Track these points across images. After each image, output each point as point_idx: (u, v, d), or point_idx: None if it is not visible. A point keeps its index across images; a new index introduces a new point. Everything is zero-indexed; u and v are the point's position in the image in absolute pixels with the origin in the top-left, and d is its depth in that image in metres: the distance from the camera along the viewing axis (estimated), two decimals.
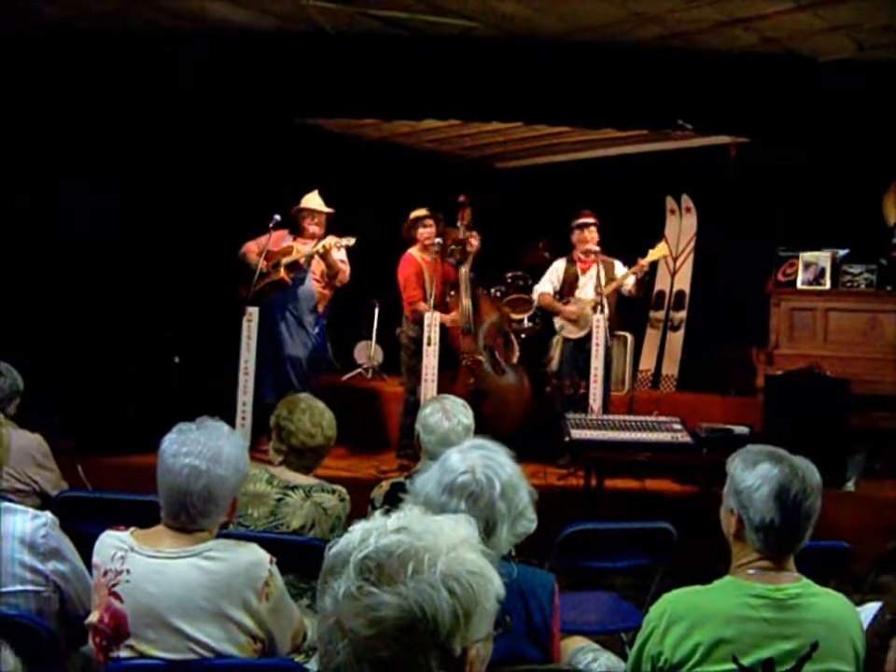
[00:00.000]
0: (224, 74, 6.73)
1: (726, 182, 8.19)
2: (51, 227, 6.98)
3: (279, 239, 6.76)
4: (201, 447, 2.48)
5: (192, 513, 2.46)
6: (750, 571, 2.38)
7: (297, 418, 3.60)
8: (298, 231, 6.87)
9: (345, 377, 8.71)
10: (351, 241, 6.65)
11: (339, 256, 6.79)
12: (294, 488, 3.50)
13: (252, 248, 6.72)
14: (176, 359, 7.36)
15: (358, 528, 1.33)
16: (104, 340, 6.85)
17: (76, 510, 3.76)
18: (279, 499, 3.46)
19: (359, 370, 8.90)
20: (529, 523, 2.38)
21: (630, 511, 5.70)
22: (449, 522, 1.39)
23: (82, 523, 3.36)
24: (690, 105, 6.81)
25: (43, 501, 4.01)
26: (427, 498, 2.33)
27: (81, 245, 6.95)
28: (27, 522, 2.64)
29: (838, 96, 6.59)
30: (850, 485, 6.16)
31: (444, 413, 3.70)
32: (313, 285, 6.89)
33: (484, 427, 6.84)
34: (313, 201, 6.89)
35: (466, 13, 6.13)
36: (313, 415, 3.63)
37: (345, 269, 6.89)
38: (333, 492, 3.56)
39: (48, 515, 2.72)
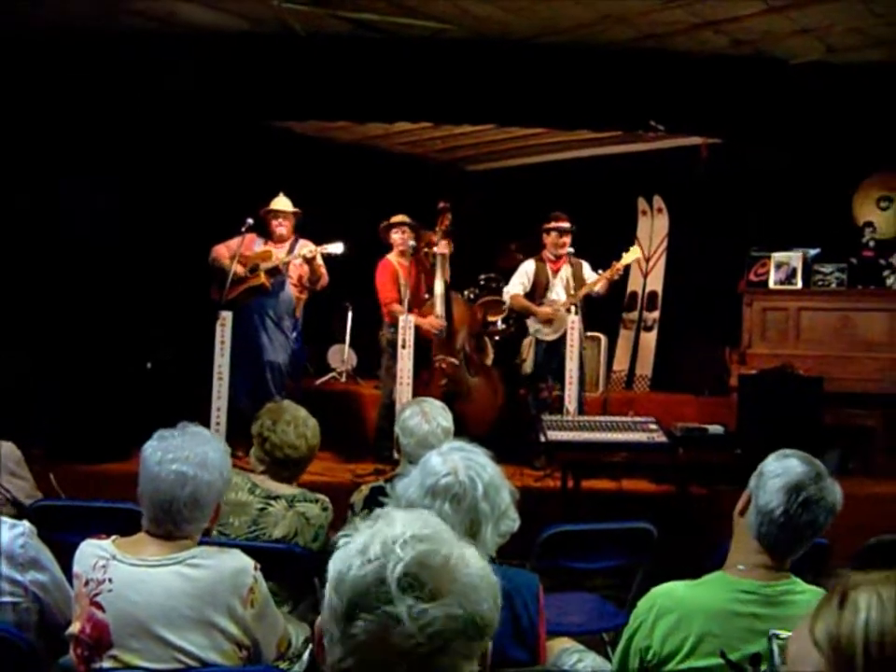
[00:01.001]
0: (195, 76, 6.66)
1: (697, 183, 8.23)
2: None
3: (250, 243, 6.72)
4: (187, 453, 2.45)
5: (178, 520, 2.43)
6: (741, 567, 2.39)
7: (281, 430, 3.56)
8: (267, 234, 6.83)
9: (319, 381, 8.66)
10: (338, 248, 6.64)
11: (318, 261, 6.77)
12: (277, 498, 3.46)
13: (223, 252, 6.68)
14: (149, 365, 7.28)
15: (371, 543, 1.28)
16: (74, 346, 6.77)
17: (51, 518, 3.70)
18: (261, 509, 3.42)
19: (333, 373, 8.86)
20: (512, 522, 2.38)
21: (608, 511, 5.70)
22: (425, 514, 1.39)
23: (59, 532, 3.31)
24: (662, 106, 6.84)
25: (18, 511, 3.94)
26: (409, 502, 2.33)
27: (46, 255, 6.91)
28: (5, 532, 2.60)
29: (809, 98, 6.65)
30: None
31: (424, 415, 3.70)
32: (290, 289, 6.86)
33: (458, 428, 6.87)
34: (280, 202, 6.86)
35: (438, 15, 6.12)
36: (297, 426, 3.58)
37: (326, 273, 6.88)
38: (316, 501, 3.52)
39: (25, 525, 2.68)
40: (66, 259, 6.95)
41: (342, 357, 8.95)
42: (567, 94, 6.76)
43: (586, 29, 6.20)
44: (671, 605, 2.34)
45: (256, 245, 6.76)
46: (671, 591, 2.40)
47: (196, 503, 2.44)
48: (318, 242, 6.71)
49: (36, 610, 2.66)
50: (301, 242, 6.83)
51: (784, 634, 1.95)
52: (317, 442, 3.66)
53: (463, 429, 6.68)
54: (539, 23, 6.17)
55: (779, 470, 2.38)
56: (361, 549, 1.28)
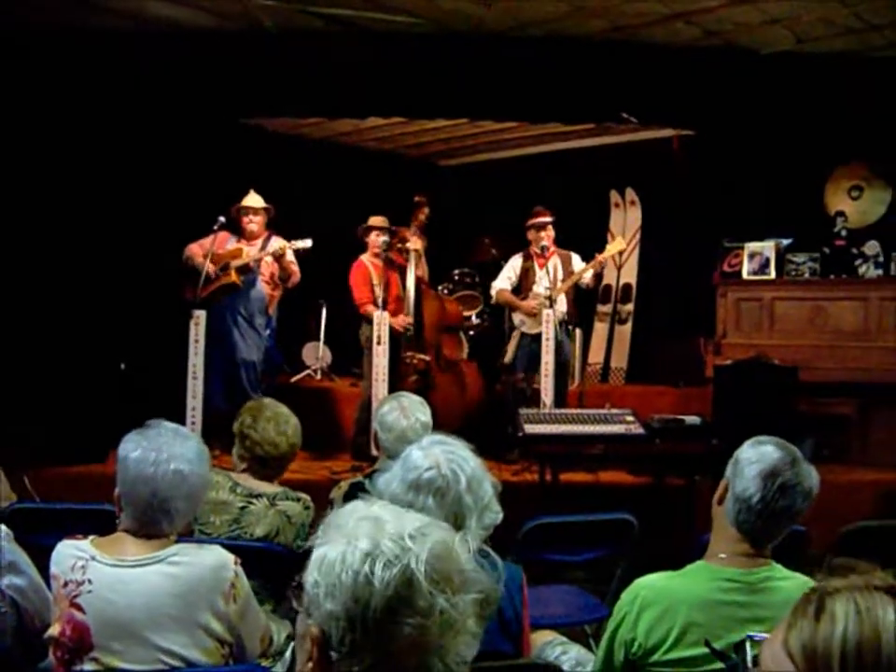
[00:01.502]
0: (165, 73, 6.61)
1: (670, 175, 8.25)
2: None
3: (223, 241, 6.69)
4: (178, 450, 2.42)
5: (175, 517, 2.41)
6: (722, 556, 2.40)
7: (261, 427, 3.52)
8: (239, 232, 6.80)
9: (294, 378, 8.63)
10: (307, 243, 6.61)
11: (289, 257, 6.73)
12: (258, 496, 3.43)
13: (196, 251, 6.64)
14: (123, 366, 7.22)
15: (377, 545, 1.28)
16: (46, 347, 6.70)
17: (27, 522, 3.65)
18: (242, 507, 3.39)
19: (308, 371, 8.83)
20: (496, 514, 2.38)
21: (586, 504, 5.70)
22: (398, 507, 1.41)
23: (35, 535, 3.26)
24: (634, 98, 6.86)
25: None
26: (392, 497, 2.31)
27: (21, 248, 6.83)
28: None
29: (780, 88, 6.68)
30: None
31: (402, 410, 3.70)
32: (262, 287, 6.83)
33: (433, 424, 6.90)
34: (251, 199, 6.84)
35: (408, 10, 6.11)
36: (277, 424, 3.55)
37: (297, 270, 6.84)
38: (298, 500, 3.50)
39: (2, 528, 2.63)
40: (39, 259, 6.88)
41: (316, 354, 8.92)
42: (539, 87, 6.76)
43: (558, 22, 6.21)
44: (654, 596, 2.34)
45: (228, 242, 6.72)
46: (654, 582, 2.39)
47: (191, 498, 2.43)
48: (290, 239, 6.68)
49: (14, 615, 2.62)
50: (274, 238, 6.80)
51: (759, 636, 1.97)
52: (298, 440, 3.63)
53: (435, 425, 6.76)
54: (510, 17, 6.17)
55: (755, 457, 2.39)
56: (368, 552, 1.27)
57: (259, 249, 6.73)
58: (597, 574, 4.29)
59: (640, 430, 5.64)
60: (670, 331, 8.31)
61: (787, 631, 1.13)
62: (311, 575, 1.30)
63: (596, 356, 9.02)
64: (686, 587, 2.34)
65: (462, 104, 7.06)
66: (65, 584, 2.36)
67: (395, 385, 6.70)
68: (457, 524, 2.28)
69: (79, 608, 2.33)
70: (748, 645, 2.01)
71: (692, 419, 6.10)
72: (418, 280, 7.26)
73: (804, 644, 1.10)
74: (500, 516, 2.40)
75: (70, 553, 2.40)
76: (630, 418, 5.76)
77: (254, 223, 6.79)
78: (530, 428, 5.65)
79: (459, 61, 6.62)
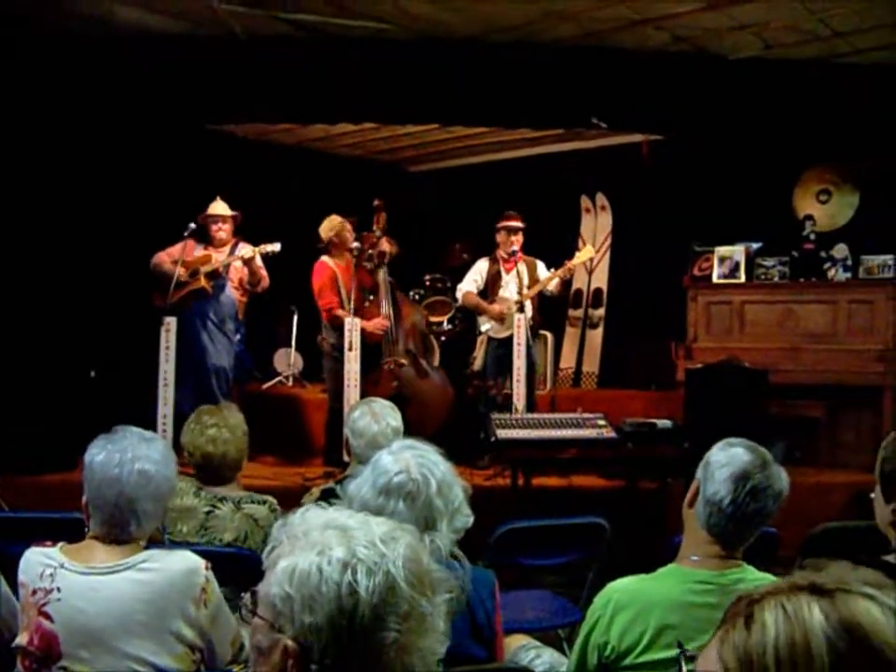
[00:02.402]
0: (132, 78, 6.56)
1: (640, 180, 8.29)
2: None
3: (190, 249, 6.66)
4: (143, 451, 2.42)
5: (142, 519, 2.40)
6: (694, 558, 2.40)
7: (198, 431, 3.47)
8: (207, 240, 6.77)
9: (266, 385, 8.59)
10: (276, 247, 6.59)
11: (258, 262, 6.71)
12: (223, 500, 3.40)
13: (164, 258, 6.62)
14: (92, 373, 7.16)
15: (352, 554, 1.27)
16: (15, 354, 6.63)
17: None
18: (208, 512, 3.36)
19: (280, 377, 8.79)
20: (466, 518, 2.38)
21: (559, 508, 5.71)
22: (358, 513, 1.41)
23: (2, 544, 3.23)
24: (604, 103, 6.89)
25: None
26: (363, 502, 2.31)
27: None
28: None
29: (748, 93, 6.73)
30: None
31: (373, 415, 3.69)
32: (232, 292, 6.80)
33: (408, 429, 6.84)
34: (218, 206, 6.82)
35: (377, 15, 6.10)
36: (218, 428, 3.47)
37: (266, 275, 6.82)
38: (264, 503, 3.47)
39: None
40: (8, 266, 6.81)
41: (288, 360, 8.88)
42: (509, 93, 6.77)
43: (528, 27, 6.22)
44: (627, 599, 2.34)
45: (196, 250, 6.69)
46: (627, 585, 2.40)
47: (157, 499, 2.43)
48: (259, 244, 6.66)
49: None
50: (241, 245, 6.78)
51: (691, 652, 1.98)
52: (235, 448, 3.50)
53: (412, 431, 6.71)
54: (480, 22, 6.18)
55: (725, 460, 2.40)
56: (346, 562, 1.26)
57: (227, 256, 6.70)
58: (571, 578, 4.29)
59: (612, 434, 5.66)
60: (641, 335, 8.35)
61: (720, 644, 1.12)
62: (279, 588, 1.27)
63: (568, 360, 9.04)
64: (659, 590, 2.34)
65: (432, 109, 7.06)
66: (34, 592, 2.34)
67: (369, 391, 6.67)
68: (428, 527, 2.28)
69: (48, 616, 2.31)
70: (682, 660, 2.02)
71: (663, 423, 6.12)
72: (392, 285, 7.23)
73: (738, 656, 1.09)
74: (471, 519, 2.40)
75: (38, 561, 2.38)
76: (602, 422, 5.78)
77: (222, 231, 6.78)
78: (503, 434, 5.65)
79: (429, 66, 6.63)
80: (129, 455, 2.39)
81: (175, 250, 6.57)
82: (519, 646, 2.99)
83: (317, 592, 1.25)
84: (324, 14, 6.07)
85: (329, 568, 1.26)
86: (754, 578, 2.34)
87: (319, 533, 1.30)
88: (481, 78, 6.69)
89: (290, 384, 8.76)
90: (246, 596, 1.36)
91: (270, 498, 3.53)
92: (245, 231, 6.91)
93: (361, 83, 6.70)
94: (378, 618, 1.24)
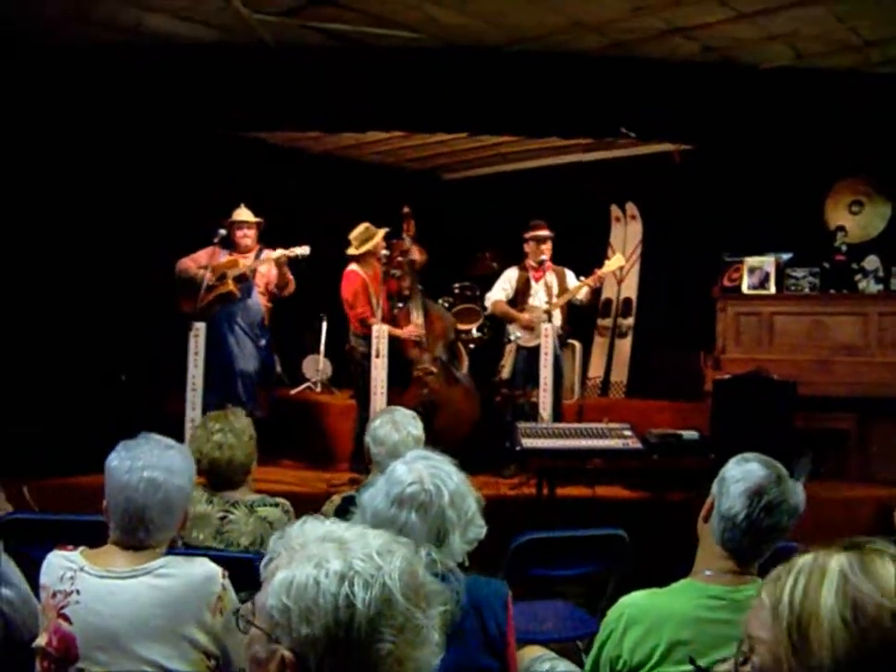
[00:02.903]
0: (164, 87, 6.64)
1: (670, 189, 8.25)
2: None
3: (216, 255, 6.71)
4: (155, 459, 2.45)
5: (150, 528, 2.42)
6: (708, 573, 2.39)
7: (204, 436, 3.50)
8: (231, 246, 6.81)
9: (294, 391, 8.63)
10: (305, 250, 6.63)
11: (266, 267, 6.78)
12: (236, 504, 3.42)
13: (189, 264, 6.67)
14: (123, 377, 7.24)
15: (349, 566, 1.29)
16: (49, 359, 6.73)
17: (22, 533, 3.65)
18: (222, 517, 3.37)
19: (308, 383, 8.83)
20: (479, 529, 2.39)
21: (583, 518, 5.69)
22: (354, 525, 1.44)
23: (29, 546, 3.27)
24: (633, 113, 6.85)
25: None
26: (375, 512, 2.32)
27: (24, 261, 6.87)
28: None
29: (779, 102, 6.68)
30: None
31: (394, 424, 3.70)
32: (259, 298, 6.85)
33: (436, 437, 6.85)
34: (243, 213, 6.86)
35: (407, 24, 6.12)
36: (224, 434, 3.49)
37: (292, 279, 6.87)
38: (276, 505, 3.49)
39: None
40: (43, 273, 6.91)
41: (316, 367, 8.92)
42: (538, 102, 6.76)
43: (556, 37, 6.22)
44: (640, 614, 2.33)
45: (220, 257, 6.74)
46: (639, 599, 2.39)
47: (168, 509, 2.43)
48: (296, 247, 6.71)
49: (1, 626, 2.62)
50: (266, 251, 6.84)
51: (703, 667, 2.01)
52: (242, 452, 3.51)
53: (441, 438, 6.73)
54: (508, 32, 6.18)
55: (740, 475, 2.39)
56: (343, 574, 1.28)
57: (253, 260, 6.77)
58: (593, 589, 4.28)
59: (638, 445, 5.64)
60: (671, 345, 8.29)
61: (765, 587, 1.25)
62: (276, 600, 1.29)
63: (597, 369, 9.01)
64: (671, 604, 2.33)
65: (460, 118, 7.06)
66: (54, 595, 2.37)
67: (396, 398, 6.70)
68: (440, 538, 2.30)
69: (66, 618, 2.33)
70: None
71: (689, 434, 6.10)
72: (423, 292, 7.25)
73: (769, 593, 1.22)
74: (484, 531, 2.41)
75: (59, 564, 2.41)
76: (628, 433, 5.75)
77: (248, 237, 6.82)
78: (528, 442, 5.64)
79: (458, 75, 6.64)
80: (139, 463, 2.42)
81: (202, 256, 6.62)
82: (534, 657, 2.98)
83: (314, 604, 1.26)
84: (354, 23, 6.10)
85: (327, 581, 1.27)
86: None
87: (316, 545, 1.32)
88: (508, 87, 6.68)
89: (319, 390, 8.80)
90: (244, 607, 1.38)
91: (282, 500, 3.55)
92: (277, 238, 6.93)
93: (390, 92, 6.72)
94: (374, 630, 1.26)
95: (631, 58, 6.51)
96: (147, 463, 2.42)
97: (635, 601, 2.39)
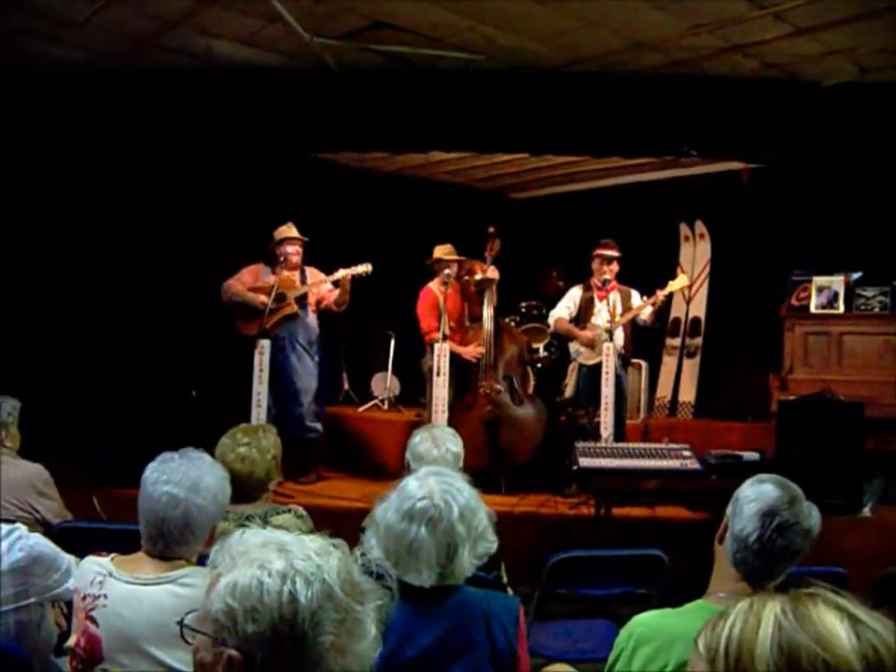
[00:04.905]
0: (233, 110, 6.81)
1: (739, 207, 8.15)
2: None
3: (259, 272, 6.86)
4: (181, 476, 2.53)
5: (170, 541, 2.50)
6: (721, 595, 2.37)
7: (230, 447, 3.56)
8: (273, 263, 6.88)
9: (361, 408, 8.73)
10: (368, 267, 6.73)
11: (328, 286, 6.89)
12: (250, 518, 3.46)
13: (238, 287, 6.80)
14: (194, 393, 7.43)
15: (291, 566, 1.36)
16: (125, 374, 6.94)
17: (75, 539, 3.78)
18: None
19: (375, 401, 8.92)
20: (490, 544, 2.42)
21: (639, 539, 5.64)
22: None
23: (81, 552, 3.39)
24: (696, 131, 6.78)
25: (45, 530, 4.05)
26: (387, 526, 2.37)
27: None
28: (3, 541, 2.67)
29: (846, 118, 6.54)
30: (867, 511, 6.06)
31: (433, 440, 3.73)
32: (312, 315, 6.98)
33: (501, 456, 6.93)
34: (292, 230, 6.96)
35: (466, 46, 6.18)
36: (249, 447, 3.55)
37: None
38: (288, 511, 3.55)
39: (19, 527, 2.75)
40: (123, 301, 7.19)
41: (384, 384, 9.01)
42: (599, 122, 6.74)
43: (615, 56, 6.21)
44: (650, 634, 2.33)
45: (264, 275, 6.88)
46: (650, 619, 2.39)
47: (187, 525, 2.51)
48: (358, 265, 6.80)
49: (40, 608, 2.73)
50: (309, 269, 6.97)
51: None
52: (263, 469, 3.56)
53: (505, 457, 6.80)
54: (565, 52, 6.19)
55: (753, 496, 2.37)
56: (285, 573, 1.35)
57: (298, 279, 6.89)
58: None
59: (696, 466, 5.56)
60: (739, 365, 8.19)
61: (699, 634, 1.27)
62: (222, 603, 1.35)
63: (664, 389, 8.93)
64: (682, 625, 2.30)
65: (521, 138, 7.07)
66: (84, 598, 2.48)
67: (462, 414, 6.79)
68: (450, 553, 2.33)
69: (94, 620, 2.44)
70: None
71: (750, 455, 6.01)
72: (496, 311, 7.30)
73: (705, 642, 1.23)
74: (495, 546, 2.43)
75: (91, 569, 2.52)
76: (687, 453, 5.68)
77: (298, 254, 6.93)
78: (585, 462, 5.61)
79: (518, 96, 6.66)
80: (164, 477, 2.51)
81: (246, 275, 6.83)
82: None
83: (259, 602, 1.33)
84: (414, 45, 6.18)
85: (270, 580, 1.34)
86: None
87: (258, 550, 1.39)
88: (569, 107, 6.67)
89: (386, 407, 8.87)
90: (187, 617, 1.44)
91: (293, 506, 3.62)
92: (344, 255, 7.01)
93: (451, 112, 6.77)
94: (317, 624, 1.33)
95: (692, 76, 6.45)
96: (171, 478, 2.51)
97: (645, 620, 2.39)
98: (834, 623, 1.13)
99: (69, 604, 2.80)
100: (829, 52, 5.86)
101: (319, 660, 1.33)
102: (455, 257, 7.34)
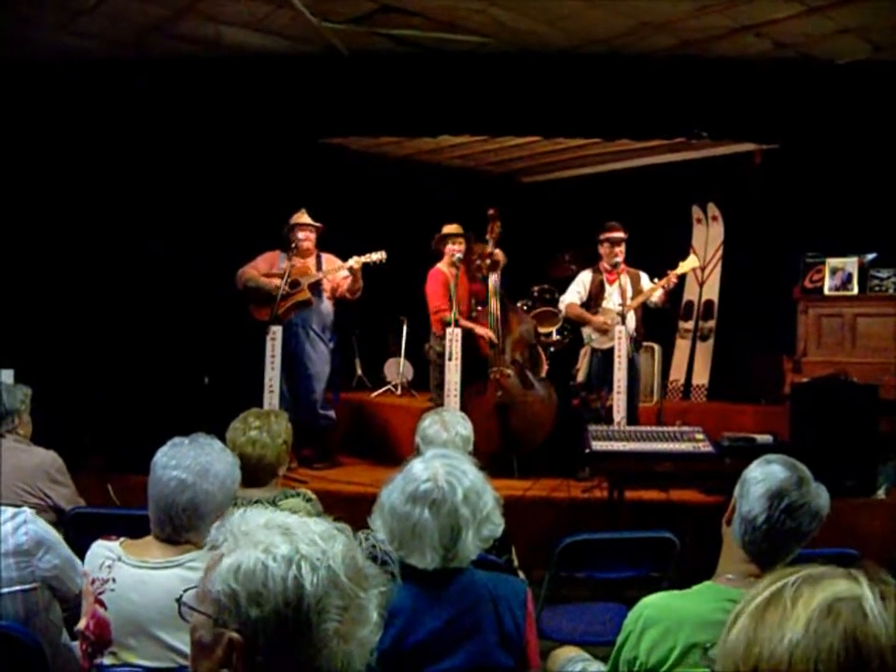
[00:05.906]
0: (243, 97, 6.81)
1: (752, 189, 8.10)
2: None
3: (274, 259, 6.86)
4: (189, 461, 2.54)
5: (177, 525, 2.52)
6: (729, 576, 2.36)
7: (241, 432, 3.53)
8: (288, 249, 6.89)
9: (374, 394, 8.74)
10: (382, 255, 6.72)
11: (344, 273, 6.87)
12: (257, 503, 3.45)
13: (252, 273, 6.82)
14: (206, 380, 7.45)
15: (296, 551, 1.36)
16: (138, 361, 6.97)
17: (87, 525, 3.81)
18: None
19: (389, 386, 8.94)
20: (495, 527, 2.42)
21: (652, 521, 5.64)
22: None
23: (88, 537, 3.41)
24: (706, 112, 6.72)
25: (58, 517, 4.08)
26: (392, 508, 2.37)
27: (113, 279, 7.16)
28: (7, 523, 2.70)
29: (859, 98, 6.48)
30: (881, 493, 6.04)
31: (443, 424, 3.73)
32: (327, 302, 6.97)
33: (511, 439, 6.91)
34: (304, 216, 6.98)
35: (475, 29, 6.14)
36: (260, 431, 3.53)
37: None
38: (297, 495, 3.55)
39: (24, 510, 2.77)
40: (139, 292, 7.23)
41: (398, 370, 9.01)
42: (609, 104, 6.70)
43: (624, 38, 6.16)
44: (658, 615, 2.32)
45: (280, 261, 6.88)
46: (658, 601, 2.38)
47: (195, 511, 2.52)
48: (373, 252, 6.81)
49: (46, 591, 2.75)
50: (325, 255, 6.97)
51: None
52: (273, 453, 3.54)
53: (516, 441, 6.80)
54: (576, 34, 6.15)
55: (761, 477, 2.36)
56: (290, 558, 1.34)
57: (314, 265, 6.90)
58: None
59: (709, 448, 5.54)
60: (753, 348, 8.15)
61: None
62: (224, 585, 1.35)
63: (678, 372, 8.90)
64: (690, 607, 2.31)
65: (532, 121, 7.03)
66: (93, 581, 2.50)
67: (473, 400, 6.78)
68: (454, 535, 2.32)
69: (103, 604, 2.46)
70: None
71: (763, 438, 5.98)
72: (503, 295, 7.28)
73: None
74: (501, 528, 2.43)
75: (100, 553, 2.54)
76: (700, 436, 5.66)
77: (309, 240, 6.93)
78: (598, 445, 5.60)
79: (528, 78, 6.63)
80: (173, 462, 2.52)
81: (260, 263, 6.84)
82: (567, 658, 2.97)
83: (263, 587, 1.32)
84: (424, 29, 6.15)
85: (275, 564, 1.33)
86: None
87: (261, 532, 1.38)
88: (579, 90, 6.64)
89: (399, 392, 8.88)
90: (185, 595, 1.44)
91: (302, 490, 3.64)
92: (357, 242, 7.03)
93: (461, 96, 6.75)
94: (322, 610, 1.32)
95: (702, 57, 6.39)
96: (179, 463, 2.53)
97: (653, 603, 2.38)
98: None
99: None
100: (841, 31, 5.79)
101: (323, 646, 1.33)
102: (459, 231, 7.27)
